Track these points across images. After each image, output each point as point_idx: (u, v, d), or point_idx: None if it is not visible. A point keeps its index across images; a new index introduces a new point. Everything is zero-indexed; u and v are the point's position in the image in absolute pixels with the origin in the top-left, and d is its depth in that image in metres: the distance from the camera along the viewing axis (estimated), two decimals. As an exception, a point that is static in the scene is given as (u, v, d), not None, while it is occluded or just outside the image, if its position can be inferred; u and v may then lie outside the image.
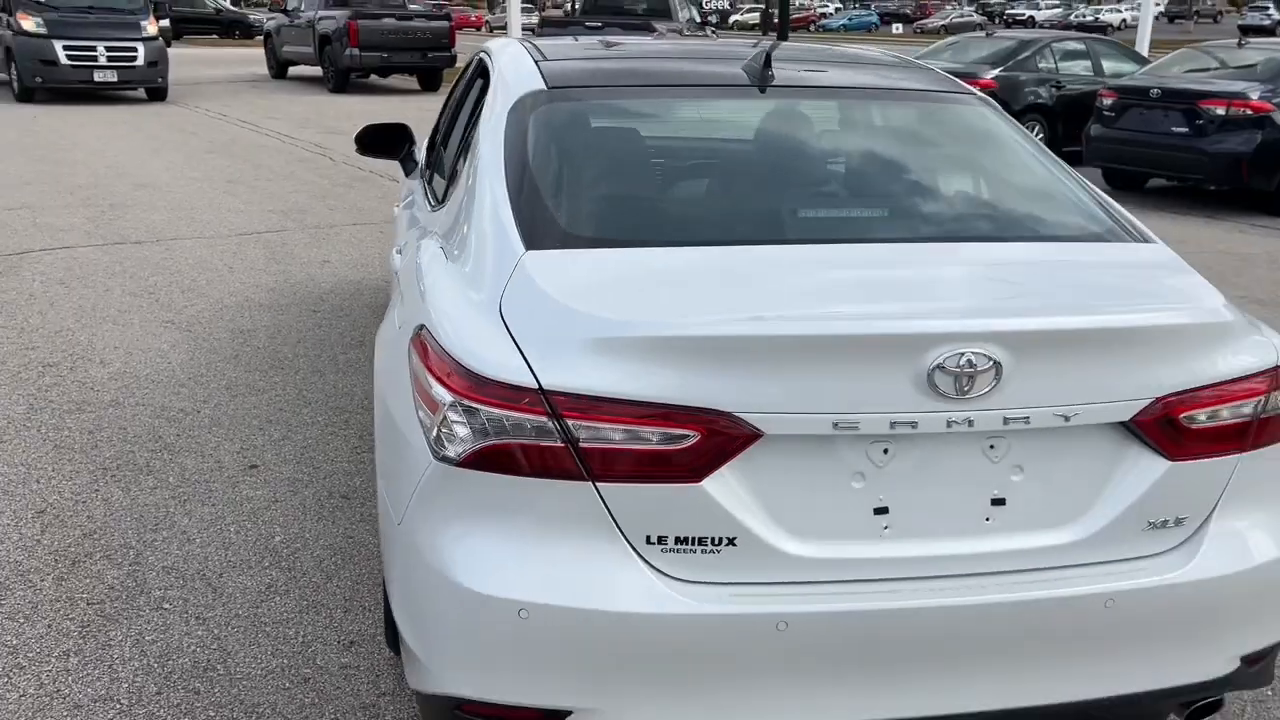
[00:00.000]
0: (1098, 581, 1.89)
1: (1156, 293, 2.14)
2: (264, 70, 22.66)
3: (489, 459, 1.79)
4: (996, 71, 11.38)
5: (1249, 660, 2.06)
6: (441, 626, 1.86)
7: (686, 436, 1.74)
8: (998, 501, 1.88)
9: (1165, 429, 1.89)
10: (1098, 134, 10.03)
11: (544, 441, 1.76)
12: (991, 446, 1.86)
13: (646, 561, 1.79)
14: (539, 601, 1.77)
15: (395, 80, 21.48)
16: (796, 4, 76.39)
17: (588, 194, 2.40)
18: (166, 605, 2.94)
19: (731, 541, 1.79)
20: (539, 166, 2.37)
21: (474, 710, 1.86)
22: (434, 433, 1.86)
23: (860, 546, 1.84)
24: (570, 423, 1.75)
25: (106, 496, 3.56)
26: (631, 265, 2.04)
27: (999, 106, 2.85)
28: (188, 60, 24.76)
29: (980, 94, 2.87)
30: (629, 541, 1.79)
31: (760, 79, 2.68)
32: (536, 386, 1.76)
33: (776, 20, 20.18)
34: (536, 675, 1.81)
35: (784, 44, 3.26)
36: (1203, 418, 1.92)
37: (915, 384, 1.76)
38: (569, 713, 1.82)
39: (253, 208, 8.51)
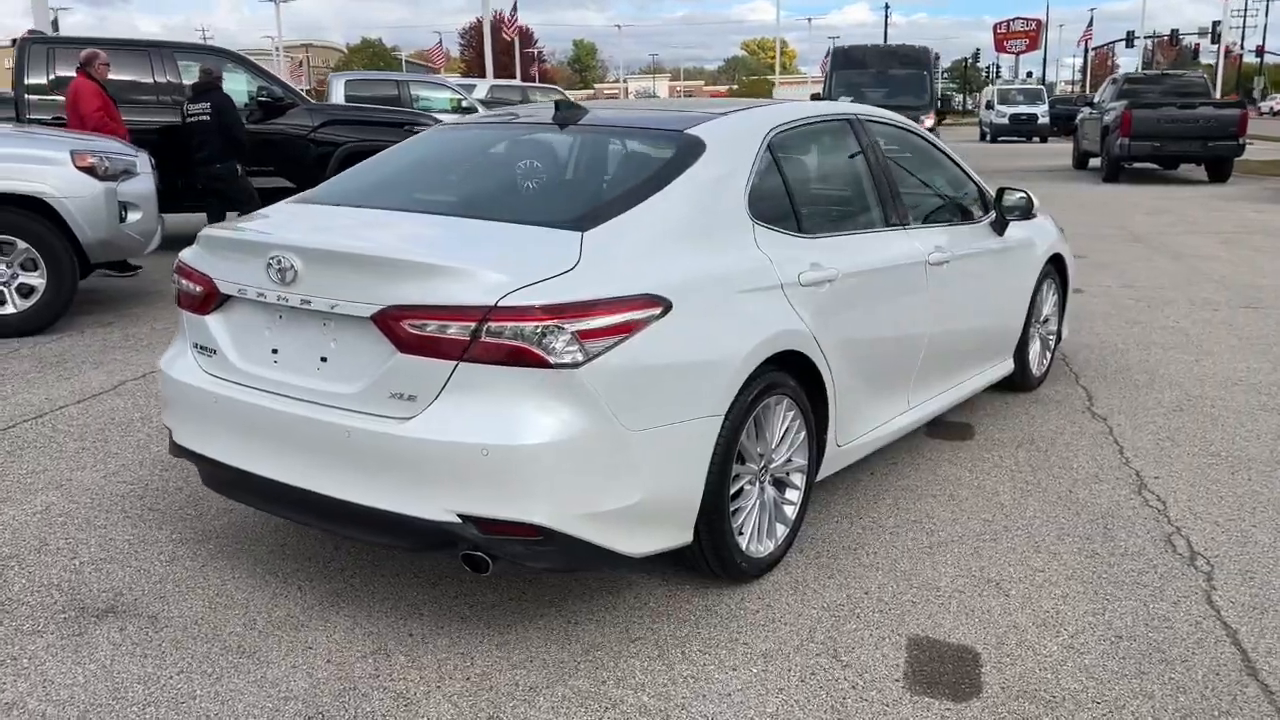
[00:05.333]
0: (348, 419, 2.88)
1: (452, 246, 2.93)
2: (1069, 162, 23.61)
3: (177, 299, 3.53)
4: None
5: (478, 523, 2.75)
6: None
7: (200, 289, 3.28)
8: (324, 359, 3.00)
9: (395, 329, 2.80)
10: None
11: (176, 288, 3.44)
12: (325, 324, 3.00)
13: (194, 356, 3.35)
14: (165, 372, 3.45)
15: (1186, 171, 20.77)
16: None
17: (353, 175, 3.87)
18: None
19: (215, 352, 3.25)
20: (371, 160, 3.96)
21: (169, 438, 3.58)
22: None
23: (262, 369, 3.13)
24: (179, 278, 3.41)
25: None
26: (289, 208, 3.58)
27: (701, 143, 3.45)
28: (1002, 153, 26.79)
29: (700, 136, 3.50)
30: (190, 344, 3.37)
31: (562, 120, 3.80)
32: (179, 262, 3.46)
33: None
34: (168, 411, 3.48)
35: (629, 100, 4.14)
36: (428, 327, 2.76)
37: (265, 272, 3.03)
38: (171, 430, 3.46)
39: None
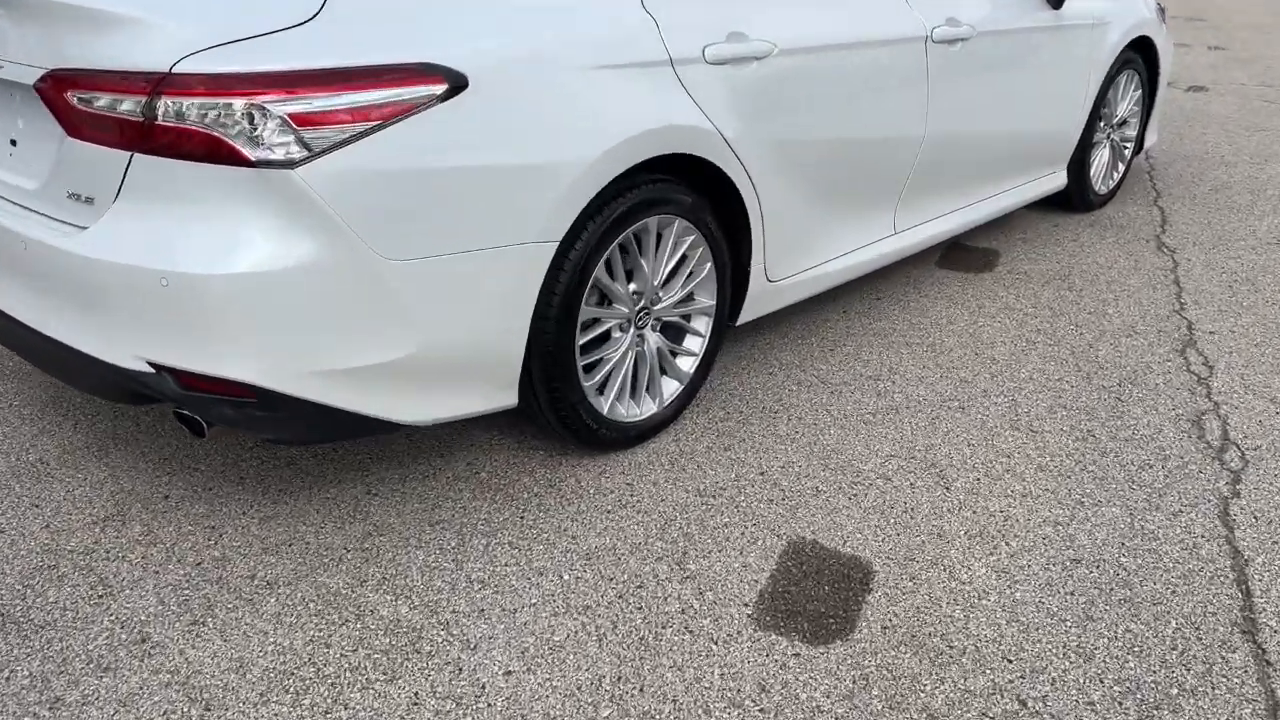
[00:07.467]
0: (25, 226, 2.17)
1: None
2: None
3: None
4: None
5: (175, 375, 2.06)
6: None
7: None
8: (14, 141, 2.27)
9: (58, 102, 2.04)
10: None
11: None
12: (12, 94, 2.25)
13: None
14: None
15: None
16: None
17: None
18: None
19: None
20: None
21: None
22: None
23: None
24: None
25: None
26: None
27: None
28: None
29: None
30: None
31: None
32: None
33: None
34: None
35: None
36: (97, 101, 1.99)
37: None
38: None
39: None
